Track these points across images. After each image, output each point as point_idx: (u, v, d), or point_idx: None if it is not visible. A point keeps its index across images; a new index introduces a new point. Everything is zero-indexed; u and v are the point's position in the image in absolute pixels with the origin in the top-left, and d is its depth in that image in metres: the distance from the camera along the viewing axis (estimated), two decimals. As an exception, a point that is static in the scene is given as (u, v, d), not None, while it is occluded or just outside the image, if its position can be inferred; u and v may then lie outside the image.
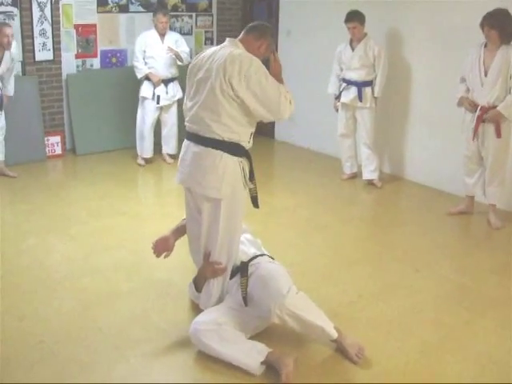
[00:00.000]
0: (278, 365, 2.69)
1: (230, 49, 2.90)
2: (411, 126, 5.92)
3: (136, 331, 3.07)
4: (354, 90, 5.57)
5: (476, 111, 4.57)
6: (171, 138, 6.37)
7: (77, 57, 6.09)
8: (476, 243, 4.56)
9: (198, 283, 3.18)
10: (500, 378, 2.79)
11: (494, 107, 4.47)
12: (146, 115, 6.17)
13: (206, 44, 7.61)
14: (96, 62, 6.64)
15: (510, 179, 4.90)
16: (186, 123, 3.06)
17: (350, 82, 5.59)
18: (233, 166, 2.95)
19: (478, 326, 3.24)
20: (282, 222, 4.83)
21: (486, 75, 4.50)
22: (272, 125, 7.63)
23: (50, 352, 2.86)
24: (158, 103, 6.08)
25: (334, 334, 2.85)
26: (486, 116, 4.52)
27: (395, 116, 6.02)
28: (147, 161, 6.34)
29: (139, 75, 6.07)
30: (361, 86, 5.54)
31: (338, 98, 5.74)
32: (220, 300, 3.09)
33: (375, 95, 5.59)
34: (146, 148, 6.28)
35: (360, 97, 5.55)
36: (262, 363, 2.73)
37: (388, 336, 3.10)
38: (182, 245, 4.09)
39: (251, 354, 2.74)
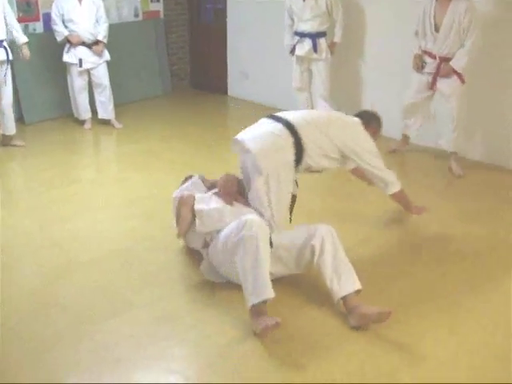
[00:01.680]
0: (263, 318, 2.66)
1: None
2: (368, 74, 5.86)
3: (100, 304, 2.97)
4: (308, 42, 5.45)
5: (425, 68, 4.75)
6: (105, 101, 6.13)
7: (18, 21, 5.71)
8: (440, 191, 4.58)
9: None
10: (471, 324, 2.84)
11: (449, 59, 4.56)
12: (73, 82, 5.95)
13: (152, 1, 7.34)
14: (39, 26, 6.28)
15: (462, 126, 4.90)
16: None
17: (303, 35, 5.47)
18: None
19: (451, 277, 3.27)
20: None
21: (437, 30, 4.55)
22: (224, 80, 7.47)
23: (13, 333, 2.74)
24: (80, 66, 5.84)
25: (359, 285, 2.86)
26: (440, 73, 4.64)
27: (351, 66, 5.94)
28: (94, 123, 6.11)
29: (59, 38, 5.83)
30: (315, 37, 5.42)
31: (292, 51, 5.62)
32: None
33: (335, 40, 5.51)
34: (80, 110, 6.07)
35: (315, 48, 5.43)
36: (253, 305, 2.70)
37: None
38: (142, 213, 4.00)
39: (256, 290, 2.70)
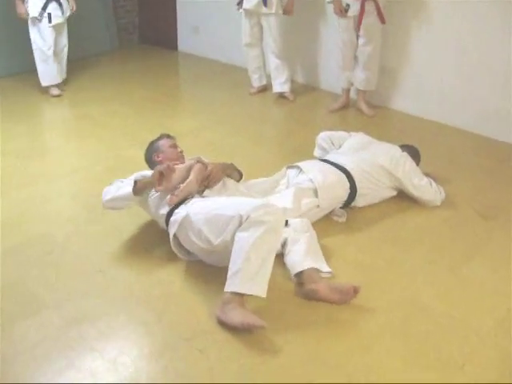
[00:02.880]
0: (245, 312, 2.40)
1: None
2: (322, 30, 5.45)
3: (9, 305, 2.62)
4: (257, -6, 4.99)
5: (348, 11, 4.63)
6: (61, 61, 5.59)
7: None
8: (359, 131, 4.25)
9: None
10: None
11: None
12: (44, 38, 5.24)
13: None
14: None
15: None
16: None
17: (251, -14, 5.00)
18: None
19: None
20: (183, 148, 4.35)
21: None
22: (174, 35, 6.98)
23: None
24: (50, 22, 5.21)
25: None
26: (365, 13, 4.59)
27: (305, 20, 5.50)
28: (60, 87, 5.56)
29: None
30: (264, -11, 4.96)
31: (239, 3, 5.16)
32: None
33: None
34: (55, 73, 5.42)
35: (264, 2, 4.97)
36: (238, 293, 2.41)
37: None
38: (68, 191, 3.63)
39: (255, 281, 2.41)
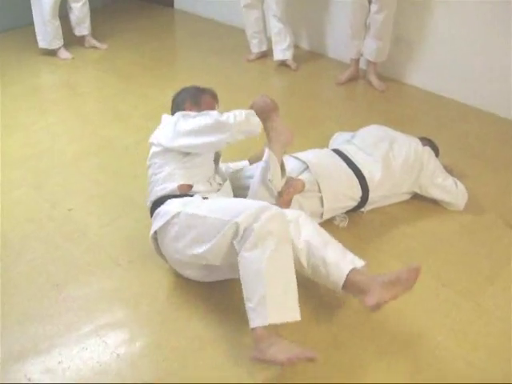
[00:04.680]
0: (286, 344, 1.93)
1: None
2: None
3: None
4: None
5: None
6: (85, 16, 5.08)
7: None
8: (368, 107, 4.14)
9: None
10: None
11: None
12: None
13: None
14: None
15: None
16: None
17: None
18: None
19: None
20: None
21: None
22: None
23: None
24: None
25: None
26: None
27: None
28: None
29: None
30: None
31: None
32: None
33: None
34: (54, 35, 4.86)
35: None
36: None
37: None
38: (32, 179, 3.14)
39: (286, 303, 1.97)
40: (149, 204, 2.44)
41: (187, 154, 2.40)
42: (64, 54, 4.96)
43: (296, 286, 1.99)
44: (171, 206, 2.26)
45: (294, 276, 2.01)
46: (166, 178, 2.38)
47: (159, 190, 2.37)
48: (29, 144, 3.57)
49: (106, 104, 4.16)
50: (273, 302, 1.92)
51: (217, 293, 2.38)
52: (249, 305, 1.96)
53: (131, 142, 3.60)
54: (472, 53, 4.10)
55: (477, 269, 2.56)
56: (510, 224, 2.87)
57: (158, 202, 2.35)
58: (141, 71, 4.75)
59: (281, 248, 1.99)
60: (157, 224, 2.29)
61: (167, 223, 2.24)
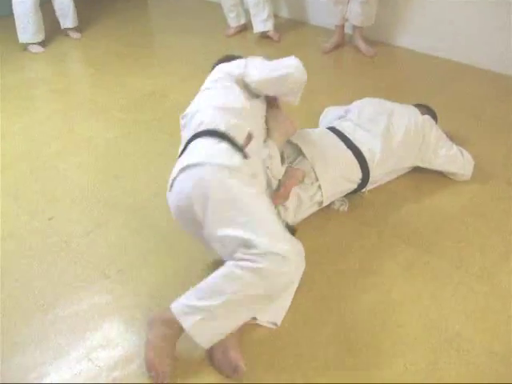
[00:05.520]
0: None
1: None
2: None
3: None
4: None
5: None
6: (68, 8, 4.83)
7: None
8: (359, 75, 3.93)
9: None
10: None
11: None
12: None
13: None
14: None
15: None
16: None
17: None
18: None
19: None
20: (143, 118, 3.63)
21: None
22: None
23: None
24: None
25: None
26: None
27: None
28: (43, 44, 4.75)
29: None
30: None
31: None
32: None
33: None
34: (35, 28, 4.61)
35: None
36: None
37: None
38: (8, 189, 2.92)
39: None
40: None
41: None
42: (35, 47, 4.70)
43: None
44: (199, 165, 1.93)
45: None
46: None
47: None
48: (4, 149, 3.36)
49: (82, 98, 3.94)
50: (209, 324, 1.83)
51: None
52: (199, 301, 1.83)
53: (111, 137, 3.40)
54: (464, 8, 3.87)
55: (489, 246, 2.39)
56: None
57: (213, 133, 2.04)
58: (116, 59, 4.51)
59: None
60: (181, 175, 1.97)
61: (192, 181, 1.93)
